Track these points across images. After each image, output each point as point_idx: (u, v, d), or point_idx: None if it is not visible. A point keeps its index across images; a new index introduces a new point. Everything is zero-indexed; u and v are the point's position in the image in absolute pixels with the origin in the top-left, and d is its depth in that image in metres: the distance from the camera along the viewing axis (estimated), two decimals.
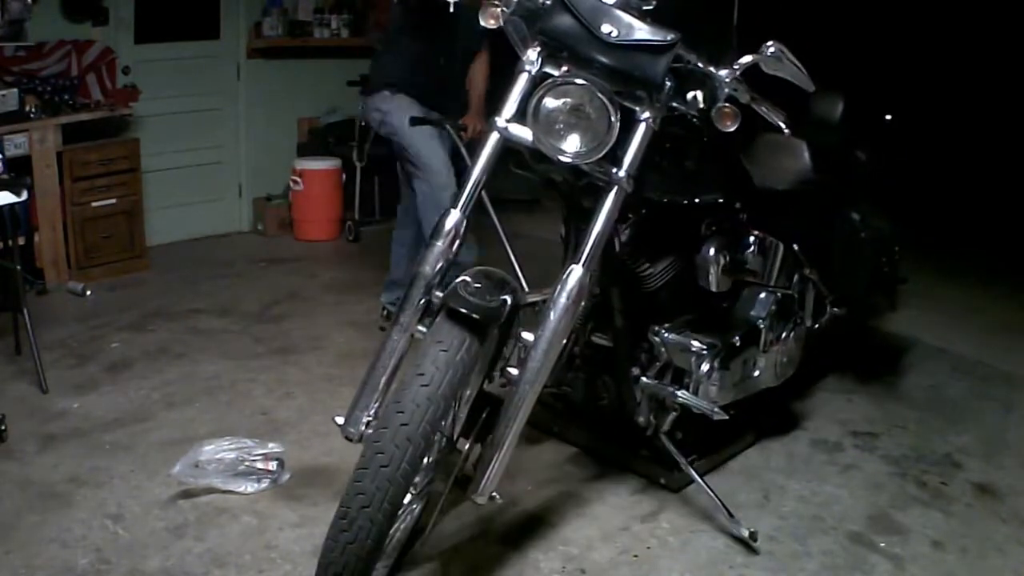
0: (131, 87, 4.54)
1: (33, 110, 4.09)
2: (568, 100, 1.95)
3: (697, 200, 2.44)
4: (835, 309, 3.16)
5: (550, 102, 1.95)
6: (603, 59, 1.99)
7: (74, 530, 2.31)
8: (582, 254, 1.97)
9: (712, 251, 2.46)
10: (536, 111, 1.96)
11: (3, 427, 2.75)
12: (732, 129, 1.99)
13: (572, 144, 1.96)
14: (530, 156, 2.10)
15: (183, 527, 2.35)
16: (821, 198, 2.99)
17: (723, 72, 2.02)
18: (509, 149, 2.10)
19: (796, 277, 2.92)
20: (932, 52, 5.48)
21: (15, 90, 4.03)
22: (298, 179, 5.18)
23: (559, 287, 1.95)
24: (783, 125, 2.10)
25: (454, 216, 2.05)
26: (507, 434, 1.93)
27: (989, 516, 2.55)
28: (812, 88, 2.05)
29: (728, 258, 2.50)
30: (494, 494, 1.95)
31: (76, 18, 4.47)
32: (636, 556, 2.31)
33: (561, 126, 1.96)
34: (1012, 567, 2.32)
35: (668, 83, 2.02)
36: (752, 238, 2.65)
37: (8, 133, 3.90)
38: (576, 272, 1.95)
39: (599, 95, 1.91)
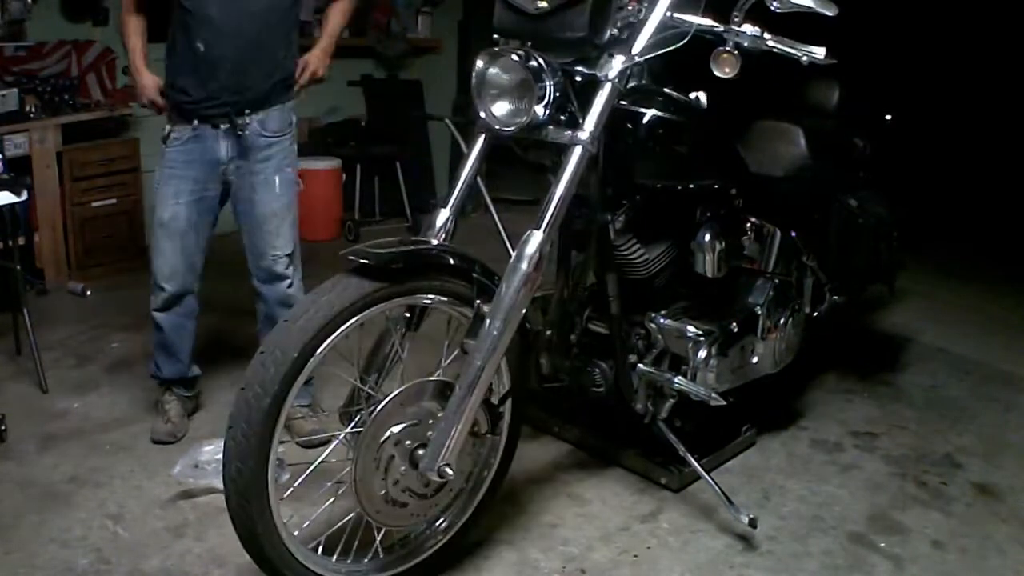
0: (131, 87, 4.53)
1: (33, 110, 4.09)
2: (496, 69, 1.99)
3: (691, 185, 2.43)
4: (834, 296, 3.14)
5: (486, 73, 2.01)
6: (541, 33, 2.01)
7: (74, 530, 2.31)
8: (543, 218, 1.91)
9: (708, 237, 2.45)
10: (479, 87, 2.02)
11: (3, 427, 2.75)
12: (730, 75, 1.95)
13: (501, 109, 2.01)
14: (516, 145, 2.11)
15: (183, 527, 2.35)
16: (818, 184, 2.98)
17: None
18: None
19: (794, 264, 2.90)
20: (934, 51, 5.48)
21: (15, 90, 4.03)
22: (298, 179, 5.16)
23: (516, 252, 1.89)
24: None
25: (443, 214, 2.04)
26: (463, 408, 1.85)
27: (989, 516, 2.55)
28: (835, 11, 1.96)
29: (724, 244, 2.49)
30: (446, 467, 1.86)
31: (76, 18, 4.46)
32: (636, 556, 2.31)
33: (506, 100, 2.00)
34: (1012, 567, 2.32)
35: (608, 33, 2.00)
36: (748, 224, 2.64)
37: (8, 133, 3.90)
38: (535, 237, 1.89)
39: (512, 58, 1.94)
